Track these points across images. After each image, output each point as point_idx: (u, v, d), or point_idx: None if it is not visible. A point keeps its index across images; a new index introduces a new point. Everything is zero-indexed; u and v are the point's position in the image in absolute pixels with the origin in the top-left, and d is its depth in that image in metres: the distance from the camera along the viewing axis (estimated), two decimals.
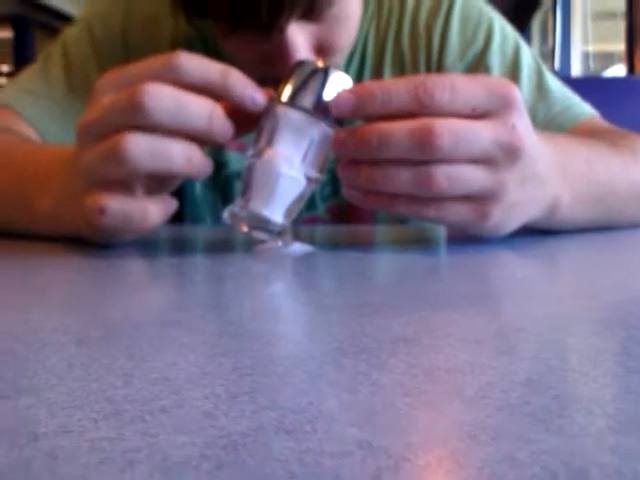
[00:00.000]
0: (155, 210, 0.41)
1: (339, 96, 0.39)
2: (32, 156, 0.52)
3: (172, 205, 0.42)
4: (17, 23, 4.01)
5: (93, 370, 0.18)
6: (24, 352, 0.20)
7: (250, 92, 0.40)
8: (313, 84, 0.40)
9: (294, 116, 0.40)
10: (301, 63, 0.42)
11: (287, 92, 0.40)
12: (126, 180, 0.39)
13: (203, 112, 0.39)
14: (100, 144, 0.39)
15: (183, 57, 0.39)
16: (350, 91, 0.39)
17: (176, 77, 0.39)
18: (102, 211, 0.39)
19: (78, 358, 0.20)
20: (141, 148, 0.38)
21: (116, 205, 0.40)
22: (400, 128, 0.37)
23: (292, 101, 0.40)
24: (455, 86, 0.38)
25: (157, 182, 0.41)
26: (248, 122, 0.41)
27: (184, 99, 0.38)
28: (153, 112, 0.37)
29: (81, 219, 0.42)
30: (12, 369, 0.18)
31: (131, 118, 0.38)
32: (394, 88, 0.38)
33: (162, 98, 0.38)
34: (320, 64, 0.41)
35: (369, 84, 0.39)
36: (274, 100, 0.41)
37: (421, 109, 0.37)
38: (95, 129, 0.40)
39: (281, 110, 0.40)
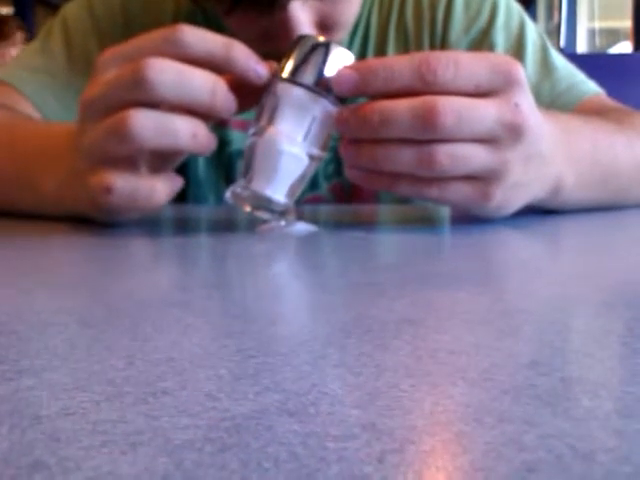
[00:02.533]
0: (162, 188, 0.40)
1: (340, 74, 0.38)
2: (35, 135, 0.52)
3: (178, 182, 0.42)
4: None
5: (96, 351, 0.18)
6: (27, 333, 0.20)
7: (254, 65, 0.39)
8: (314, 59, 0.39)
9: (295, 92, 0.39)
10: (302, 38, 0.41)
11: (288, 68, 0.40)
12: (131, 157, 0.39)
13: (206, 85, 0.38)
14: (104, 121, 0.39)
15: (186, 30, 0.39)
16: (352, 68, 0.38)
17: (179, 51, 0.38)
18: (108, 190, 0.39)
19: (81, 339, 0.20)
20: (146, 124, 0.37)
21: (122, 183, 0.39)
22: (403, 106, 0.37)
23: (293, 77, 0.39)
24: (459, 63, 0.37)
25: (161, 159, 0.40)
26: (251, 97, 0.40)
27: (187, 73, 0.38)
28: (156, 86, 0.37)
29: (85, 198, 0.42)
30: (14, 350, 0.18)
31: (134, 93, 0.37)
32: (397, 65, 0.37)
33: (165, 72, 0.37)
34: (321, 39, 0.40)
35: (371, 61, 0.38)
36: (275, 76, 0.40)
37: (424, 86, 0.37)
38: (98, 105, 0.39)
39: (281, 86, 0.39)
